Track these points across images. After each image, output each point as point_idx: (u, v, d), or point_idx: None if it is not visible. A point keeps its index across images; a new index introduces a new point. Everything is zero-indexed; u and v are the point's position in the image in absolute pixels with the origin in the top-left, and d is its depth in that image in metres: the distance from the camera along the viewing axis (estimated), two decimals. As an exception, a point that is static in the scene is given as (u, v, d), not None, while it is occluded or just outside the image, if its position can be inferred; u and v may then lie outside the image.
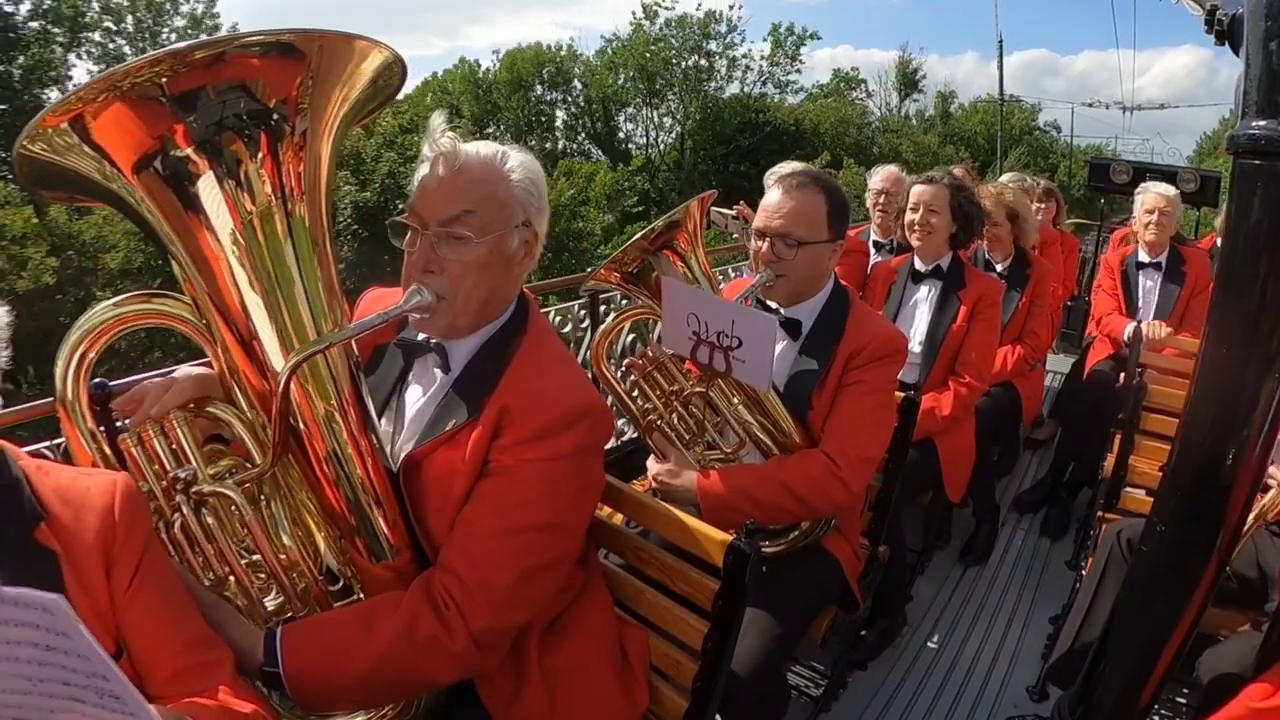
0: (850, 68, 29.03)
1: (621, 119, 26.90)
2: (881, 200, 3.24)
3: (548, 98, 26.45)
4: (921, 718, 2.11)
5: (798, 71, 27.48)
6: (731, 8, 25.97)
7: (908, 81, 29.42)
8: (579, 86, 26.72)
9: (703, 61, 25.91)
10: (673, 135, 26.50)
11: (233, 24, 23.00)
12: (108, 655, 0.66)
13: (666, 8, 25.79)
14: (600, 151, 26.12)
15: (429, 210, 1.11)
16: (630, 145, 26.77)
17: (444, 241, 1.11)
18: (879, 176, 3.31)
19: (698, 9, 25.70)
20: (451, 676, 1.13)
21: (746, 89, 26.67)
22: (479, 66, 26.12)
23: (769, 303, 1.73)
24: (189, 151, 0.93)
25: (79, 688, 0.68)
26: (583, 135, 27.08)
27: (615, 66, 26.32)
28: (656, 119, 26.54)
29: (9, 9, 19.74)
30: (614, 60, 26.47)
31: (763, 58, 26.84)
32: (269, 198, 0.99)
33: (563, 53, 26.74)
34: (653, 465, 1.65)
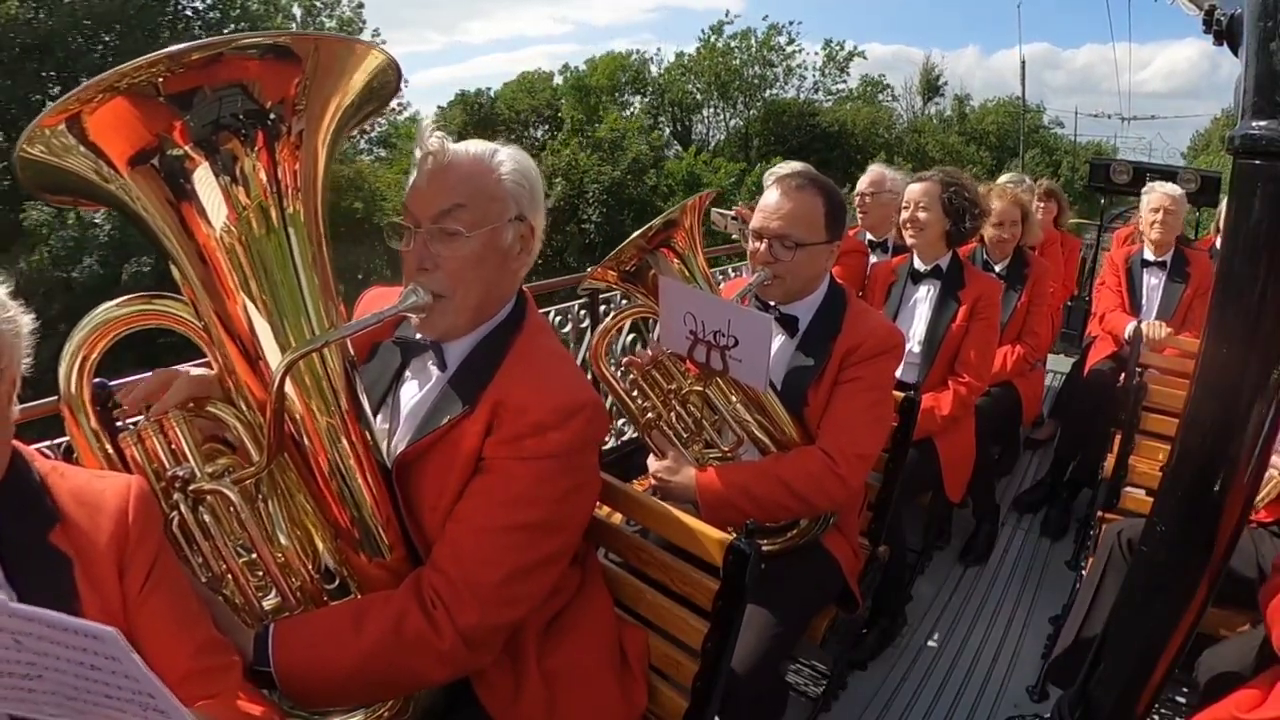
0: (849, 60, 32.37)
1: (695, 121, 31.23)
2: (866, 201, 3.25)
3: (623, 99, 30.53)
4: (921, 718, 2.10)
5: (845, 80, 31.98)
6: (790, 23, 30.97)
7: (930, 86, 32.93)
8: (653, 91, 30.92)
9: (765, 72, 30.32)
10: (726, 133, 30.63)
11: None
12: (156, 677, 0.67)
13: (729, 22, 30.37)
14: (680, 148, 29.86)
15: (420, 208, 1.12)
16: (705, 144, 30.78)
17: (436, 238, 1.11)
18: (863, 178, 3.32)
19: (764, 20, 30.97)
20: (441, 675, 1.12)
21: (802, 95, 30.96)
22: (583, 73, 29.74)
23: (767, 301, 1.73)
24: (186, 149, 0.93)
25: (123, 700, 0.70)
26: (668, 133, 31.05)
27: (688, 74, 30.58)
28: (726, 121, 30.90)
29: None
30: (688, 68, 30.70)
31: (816, 68, 31.39)
32: (264, 196, 0.99)
33: (633, 58, 30.69)
34: (652, 463, 1.65)
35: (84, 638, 0.65)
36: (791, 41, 30.33)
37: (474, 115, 27.22)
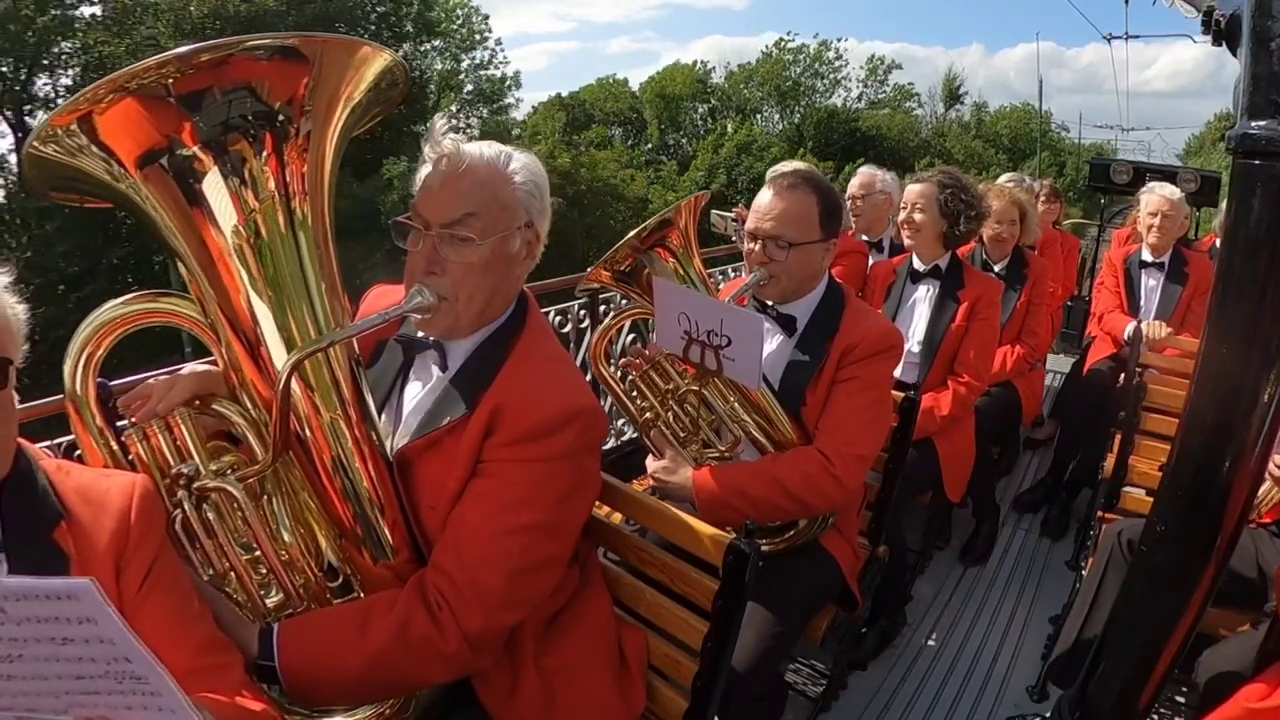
0: (888, 72, 36.72)
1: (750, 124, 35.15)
2: (858, 204, 3.27)
3: (692, 105, 35.42)
4: (921, 718, 2.11)
5: (885, 90, 36.44)
6: (839, 40, 35.71)
7: (952, 95, 37.02)
8: (717, 97, 35.59)
9: (816, 82, 35.14)
10: (776, 135, 34.26)
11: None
12: (135, 636, 0.65)
13: (790, 39, 35.29)
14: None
15: (431, 212, 1.12)
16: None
17: (446, 243, 1.11)
18: (853, 180, 3.32)
19: (815, 36, 35.41)
20: (445, 676, 1.14)
21: (848, 104, 35.44)
22: (665, 83, 34.74)
23: (765, 301, 1.73)
24: (195, 150, 0.94)
25: (95, 679, 0.68)
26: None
27: (750, 84, 35.31)
28: (777, 125, 34.99)
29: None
30: (749, 78, 35.38)
31: (859, 81, 36.24)
32: (273, 196, 1.00)
33: (697, 69, 35.61)
34: (650, 463, 1.65)
35: (58, 602, 0.63)
36: (839, 56, 35.62)
37: (571, 115, 31.67)
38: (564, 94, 33.69)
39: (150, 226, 0.98)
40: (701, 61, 36.03)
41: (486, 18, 28.83)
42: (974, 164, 28.35)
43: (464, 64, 27.87)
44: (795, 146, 31.84)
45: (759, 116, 34.81)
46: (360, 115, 1.06)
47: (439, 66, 26.74)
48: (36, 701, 0.71)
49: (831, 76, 35.05)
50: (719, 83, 35.27)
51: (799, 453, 1.60)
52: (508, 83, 28.91)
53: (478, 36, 28.27)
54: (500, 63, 28.98)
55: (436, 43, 26.79)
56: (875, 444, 1.70)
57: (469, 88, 27.87)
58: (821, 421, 1.63)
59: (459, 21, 27.84)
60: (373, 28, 23.75)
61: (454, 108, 25.68)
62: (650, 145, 33.63)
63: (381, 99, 1.07)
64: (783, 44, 35.62)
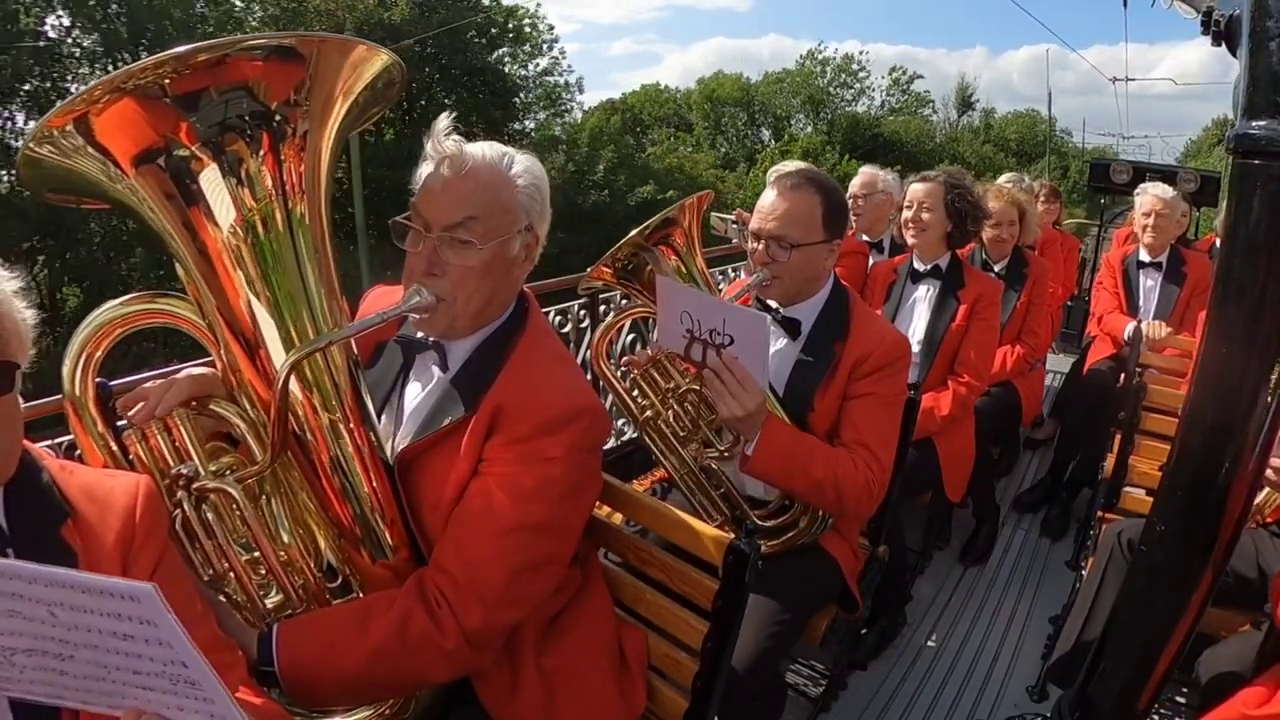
0: (909, 82, 40.16)
1: (784, 129, 38.84)
2: (859, 204, 3.26)
3: (735, 110, 38.66)
4: (921, 718, 2.11)
5: (906, 99, 39.98)
6: (861, 53, 39.75)
7: (964, 101, 40.51)
8: (754, 104, 38.98)
9: (845, 92, 38.91)
10: (804, 139, 37.27)
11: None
12: (192, 642, 0.67)
13: (819, 51, 39.07)
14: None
15: (433, 213, 1.11)
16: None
17: (447, 245, 1.11)
18: (855, 180, 3.31)
19: (836, 51, 39.12)
20: (445, 675, 1.13)
21: (873, 112, 39.00)
22: (714, 88, 38.38)
23: (769, 302, 1.72)
24: (192, 150, 0.94)
25: (151, 675, 0.69)
26: (769, 136, 39.55)
27: (784, 92, 38.97)
28: (804, 130, 38.20)
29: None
30: (784, 87, 39.06)
31: (881, 89, 39.81)
32: (270, 196, 0.99)
33: (738, 79, 39.18)
34: (730, 388, 1.44)
35: (120, 600, 0.64)
36: (862, 68, 39.39)
37: (623, 118, 33.83)
38: (614, 98, 36.91)
39: (147, 227, 0.98)
40: (746, 76, 39.72)
41: (552, 27, 29.97)
42: (986, 168, 29.65)
43: (530, 70, 28.69)
44: (832, 151, 33.70)
45: (790, 122, 37.96)
46: (358, 114, 1.06)
47: (509, 71, 27.30)
48: (90, 695, 0.72)
49: (858, 86, 38.43)
50: (756, 84, 38.28)
51: (857, 459, 1.58)
52: (570, 88, 29.81)
53: (544, 44, 29.27)
54: (565, 70, 29.85)
55: (506, 49, 27.50)
56: (894, 456, 1.70)
57: (535, 91, 28.45)
58: (850, 436, 1.61)
59: (527, 27, 28.61)
60: (472, 33, 24.57)
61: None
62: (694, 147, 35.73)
63: (379, 98, 1.07)
64: (814, 54, 39.57)
